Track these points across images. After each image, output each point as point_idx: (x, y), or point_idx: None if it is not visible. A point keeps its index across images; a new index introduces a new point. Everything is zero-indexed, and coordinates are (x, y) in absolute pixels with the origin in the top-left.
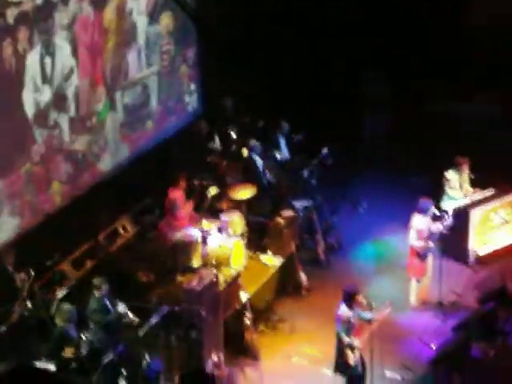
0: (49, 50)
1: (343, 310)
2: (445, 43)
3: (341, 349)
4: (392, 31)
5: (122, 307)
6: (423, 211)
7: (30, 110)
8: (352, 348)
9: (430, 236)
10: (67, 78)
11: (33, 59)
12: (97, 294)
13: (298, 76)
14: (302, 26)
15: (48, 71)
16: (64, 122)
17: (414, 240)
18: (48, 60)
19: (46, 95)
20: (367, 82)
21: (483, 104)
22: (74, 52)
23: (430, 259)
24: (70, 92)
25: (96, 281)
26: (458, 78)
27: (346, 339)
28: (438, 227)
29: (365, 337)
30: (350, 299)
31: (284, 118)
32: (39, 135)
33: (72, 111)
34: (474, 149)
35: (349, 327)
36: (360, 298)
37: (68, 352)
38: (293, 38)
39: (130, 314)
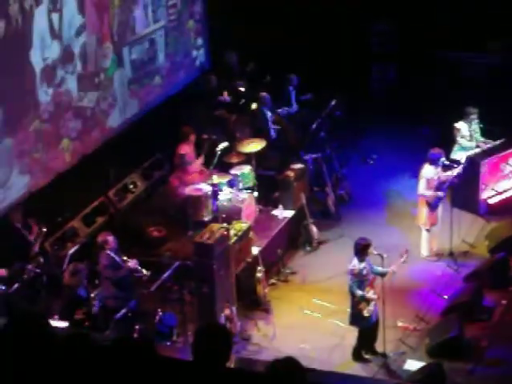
0: (56, 5)
1: (355, 263)
2: None
3: (355, 302)
4: None
5: (132, 262)
6: (434, 161)
7: (37, 66)
8: (366, 300)
9: (440, 186)
10: (78, 33)
11: (40, 15)
12: (106, 248)
13: (306, 29)
14: None
15: (56, 27)
16: (72, 78)
17: (423, 190)
18: (55, 16)
19: (55, 51)
20: (376, 33)
21: (496, 53)
22: (81, 8)
23: (439, 209)
24: (77, 48)
25: (100, 236)
26: (470, 26)
27: (359, 292)
28: (448, 176)
29: (379, 288)
30: (361, 252)
31: (293, 71)
32: (46, 92)
33: (80, 68)
34: (484, 98)
35: (361, 280)
36: (371, 250)
37: (79, 314)
38: None
39: (142, 269)
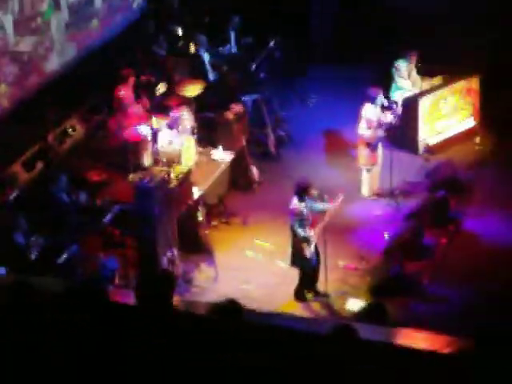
0: None
1: (295, 203)
2: None
3: (296, 242)
4: None
5: (83, 196)
6: (373, 100)
7: None
8: (307, 240)
9: (380, 125)
10: None
11: None
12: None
13: None
14: None
15: None
16: (8, 22)
17: (363, 130)
18: None
19: None
20: None
21: None
22: None
23: (379, 149)
24: None
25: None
26: None
27: (301, 232)
28: (387, 117)
29: (319, 228)
30: (301, 192)
31: (232, 11)
32: None
33: (16, 12)
34: (422, 39)
35: (302, 219)
36: (312, 191)
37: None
38: None
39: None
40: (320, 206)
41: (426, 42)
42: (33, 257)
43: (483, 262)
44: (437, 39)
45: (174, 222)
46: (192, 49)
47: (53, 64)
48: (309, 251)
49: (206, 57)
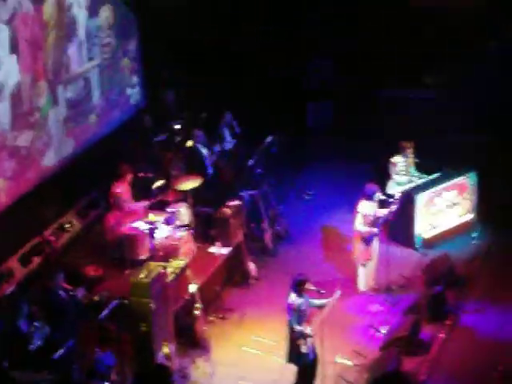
0: None
1: (293, 298)
2: (392, 27)
3: (293, 338)
4: (337, 18)
5: (80, 291)
6: (369, 197)
7: None
8: (304, 336)
9: (375, 221)
10: (11, 73)
11: None
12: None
13: (241, 66)
14: (244, 15)
15: None
16: (5, 117)
17: (359, 225)
18: None
19: None
20: (311, 70)
21: (430, 88)
22: (15, 48)
23: (375, 244)
24: (10, 87)
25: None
26: (404, 62)
27: (298, 328)
28: (383, 213)
29: (316, 323)
30: (299, 287)
31: (228, 109)
32: None
33: (14, 107)
34: (420, 133)
35: (299, 315)
36: (309, 286)
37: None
38: (235, 26)
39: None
40: (317, 301)
41: (424, 133)
42: (36, 344)
43: (481, 357)
44: (435, 135)
45: (170, 317)
46: (189, 144)
47: (50, 159)
48: (306, 347)
49: (203, 151)
